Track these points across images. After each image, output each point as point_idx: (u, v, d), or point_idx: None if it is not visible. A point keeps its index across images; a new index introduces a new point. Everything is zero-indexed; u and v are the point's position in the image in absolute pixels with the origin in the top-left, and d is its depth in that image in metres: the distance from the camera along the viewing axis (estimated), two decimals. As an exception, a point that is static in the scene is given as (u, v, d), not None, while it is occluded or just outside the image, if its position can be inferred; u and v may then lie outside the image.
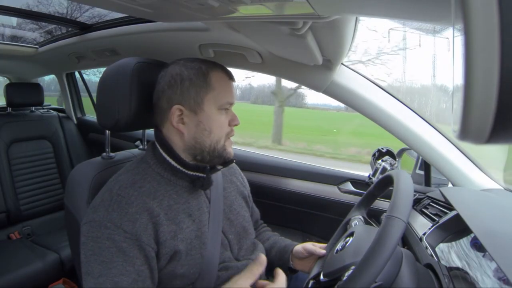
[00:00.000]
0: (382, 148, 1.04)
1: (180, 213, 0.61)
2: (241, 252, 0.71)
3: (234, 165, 0.83)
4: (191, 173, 0.63)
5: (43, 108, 1.92)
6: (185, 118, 0.62)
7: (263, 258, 0.57)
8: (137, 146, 0.94)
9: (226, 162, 0.68)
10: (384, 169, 1.01)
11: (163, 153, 0.63)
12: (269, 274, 0.81)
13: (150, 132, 0.70)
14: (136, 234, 0.54)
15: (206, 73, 0.62)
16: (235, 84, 0.69)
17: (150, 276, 0.55)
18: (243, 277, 0.55)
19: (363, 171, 1.14)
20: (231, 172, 0.80)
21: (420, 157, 1.01)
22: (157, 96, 0.64)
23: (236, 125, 0.67)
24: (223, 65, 0.67)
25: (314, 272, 0.67)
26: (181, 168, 0.63)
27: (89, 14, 1.10)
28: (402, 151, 1.07)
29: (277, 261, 0.79)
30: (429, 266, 0.58)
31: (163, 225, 0.57)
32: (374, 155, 1.06)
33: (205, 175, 0.63)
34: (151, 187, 0.60)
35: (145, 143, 0.90)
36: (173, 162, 0.63)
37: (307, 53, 0.72)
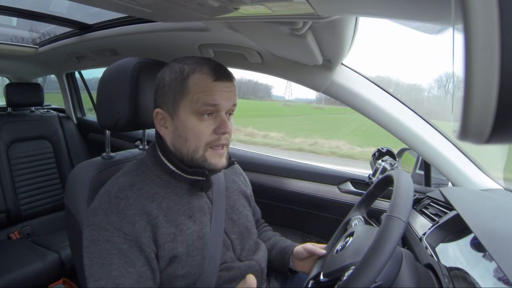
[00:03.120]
0: (382, 148, 1.04)
1: (180, 215, 0.60)
2: (244, 252, 0.71)
3: (236, 164, 0.83)
4: (190, 177, 0.62)
5: (43, 108, 1.92)
6: (166, 122, 0.62)
7: (251, 280, 0.55)
8: (137, 146, 0.94)
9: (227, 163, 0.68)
10: (384, 169, 1.01)
11: (162, 157, 0.63)
12: (270, 274, 0.81)
13: (150, 132, 0.70)
14: (136, 236, 0.54)
15: (186, 76, 0.58)
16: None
17: (152, 277, 0.56)
18: None
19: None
20: (233, 172, 0.80)
21: (420, 157, 1.01)
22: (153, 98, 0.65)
23: (224, 133, 0.59)
24: (216, 64, 0.60)
25: (314, 272, 0.67)
26: (179, 172, 0.62)
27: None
28: (402, 151, 1.07)
29: (277, 261, 0.79)
30: (429, 266, 0.58)
31: (162, 228, 0.57)
32: (374, 155, 1.06)
33: (204, 178, 0.62)
34: (150, 189, 0.60)
35: (145, 143, 0.90)
36: (171, 167, 0.62)
37: (307, 53, 0.72)
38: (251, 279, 0.55)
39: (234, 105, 0.62)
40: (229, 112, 0.62)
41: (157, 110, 0.61)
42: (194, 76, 0.58)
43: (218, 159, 0.61)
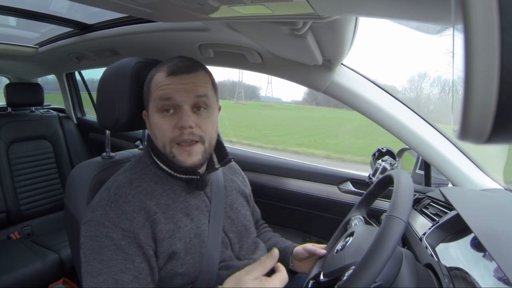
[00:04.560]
0: (382, 148, 1.04)
1: (178, 212, 0.61)
2: (242, 251, 0.71)
3: (234, 164, 0.84)
4: (183, 176, 0.62)
5: (43, 108, 1.92)
6: (148, 122, 0.65)
7: (276, 252, 0.55)
8: (137, 146, 0.94)
9: (224, 161, 0.68)
10: (384, 169, 1.01)
11: (154, 157, 0.64)
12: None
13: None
14: (134, 232, 0.54)
15: (151, 78, 0.62)
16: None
17: (150, 273, 0.56)
18: (256, 267, 0.54)
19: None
20: (231, 171, 0.81)
21: (420, 157, 1.01)
22: None
23: (182, 127, 0.58)
24: (178, 60, 0.62)
25: (314, 272, 0.67)
26: (172, 172, 0.62)
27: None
28: (402, 151, 1.07)
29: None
30: (429, 266, 0.58)
31: (161, 224, 0.57)
32: (374, 155, 1.06)
33: (198, 177, 0.62)
34: (149, 186, 0.60)
35: (145, 143, 0.91)
36: (164, 167, 0.63)
37: (307, 53, 0.72)
38: (275, 252, 0.56)
39: (199, 96, 0.60)
40: (197, 106, 0.60)
41: (144, 111, 0.67)
42: (155, 76, 0.62)
43: (186, 157, 0.60)
